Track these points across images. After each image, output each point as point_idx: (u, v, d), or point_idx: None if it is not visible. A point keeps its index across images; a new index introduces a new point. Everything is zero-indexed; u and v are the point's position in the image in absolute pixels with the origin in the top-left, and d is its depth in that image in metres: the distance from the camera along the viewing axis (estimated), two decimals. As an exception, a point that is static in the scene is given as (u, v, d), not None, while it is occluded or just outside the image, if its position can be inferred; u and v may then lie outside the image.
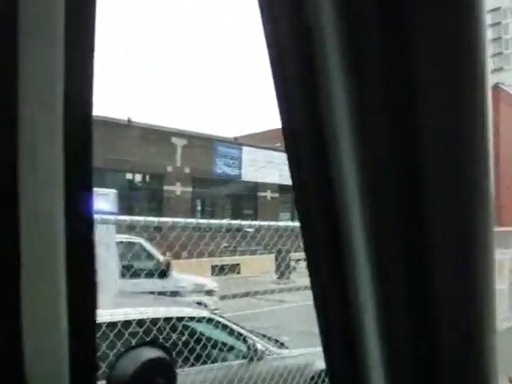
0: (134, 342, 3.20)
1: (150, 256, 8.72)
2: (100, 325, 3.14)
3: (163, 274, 7.46)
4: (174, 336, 3.53)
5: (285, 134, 0.45)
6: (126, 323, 3.31)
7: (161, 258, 8.61)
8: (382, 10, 0.38)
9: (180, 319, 3.71)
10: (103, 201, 9.12)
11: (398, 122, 0.39)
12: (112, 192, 8.48)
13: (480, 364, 0.48)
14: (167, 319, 3.61)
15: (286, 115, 0.45)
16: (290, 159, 0.46)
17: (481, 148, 0.41)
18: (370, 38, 0.38)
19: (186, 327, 3.69)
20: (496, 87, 64.37)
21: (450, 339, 0.45)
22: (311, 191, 0.45)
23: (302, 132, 0.43)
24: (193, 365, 3.51)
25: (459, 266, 0.43)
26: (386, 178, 0.41)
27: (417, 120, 0.39)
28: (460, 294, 0.44)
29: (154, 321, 3.44)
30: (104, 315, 3.27)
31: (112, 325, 3.21)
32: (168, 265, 8.15)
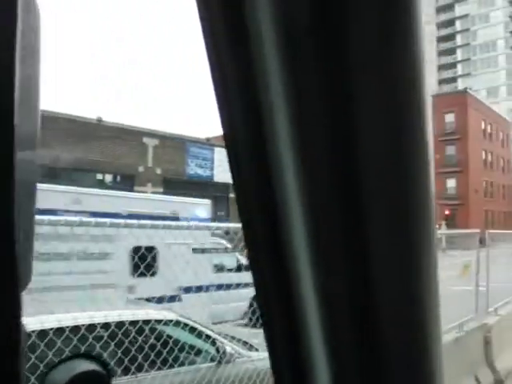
0: (98, 345, 3.14)
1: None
2: (63, 329, 3.07)
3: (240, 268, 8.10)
4: (141, 339, 3.48)
5: (224, 132, 0.45)
6: (91, 326, 3.24)
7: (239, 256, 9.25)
8: (317, 15, 0.38)
9: (147, 322, 3.65)
10: (202, 209, 9.77)
11: (337, 123, 0.40)
12: (208, 202, 9.77)
13: (424, 360, 0.48)
14: (133, 322, 3.54)
15: (224, 115, 0.45)
16: (229, 157, 0.46)
17: (420, 148, 0.42)
18: (307, 41, 0.39)
19: (152, 330, 3.63)
20: (464, 92, 65.77)
21: (392, 335, 0.45)
22: (251, 189, 0.45)
23: (241, 131, 0.44)
24: (160, 368, 3.47)
25: (400, 264, 0.44)
26: (324, 177, 0.41)
27: (354, 120, 0.40)
28: (401, 291, 0.45)
29: (120, 324, 3.38)
30: (68, 318, 3.20)
31: (76, 328, 3.14)
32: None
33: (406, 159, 0.42)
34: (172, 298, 6.55)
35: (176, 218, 8.43)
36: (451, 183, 57.22)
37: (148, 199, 10.05)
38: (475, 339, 7.03)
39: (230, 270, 8.36)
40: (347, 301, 0.44)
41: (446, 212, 51.32)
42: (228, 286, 6.14)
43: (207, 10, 0.42)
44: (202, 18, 0.43)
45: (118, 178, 18.25)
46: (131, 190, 17.62)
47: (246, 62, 0.41)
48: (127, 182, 17.86)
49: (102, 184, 17.67)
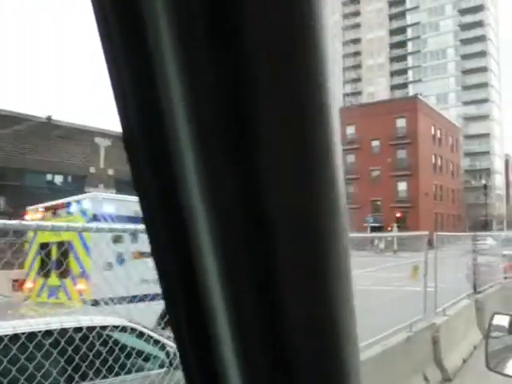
0: (39, 354, 3.00)
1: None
2: (1, 338, 2.93)
3: None
4: (86, 346, 3.35)
5: (123, 132, 0.45)
6: (31, 335, 3.10)
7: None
8: (216, 16, 0.38)
9: (92, 328, 3.53)
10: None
11: (237, 124, 0.40)
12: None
13: (337, 362, 0.48)
14: (77, 329, 3.42)
15: (122, 114, 0.44)
16: (129, 159, 0.45)
17: (330, 153, 0.43)
18: (205, 40, 0.38)
19: (98, 336, 3.51)
20: (415, 98, 67.76)
21: (303, 338, 0.45)
22: (153, 191, 0.45)
23: (139, 131, 0.44)
24: (105, 376, 3.35)
25: (310, 266, 0.44)
26: (227, 182, 0.41)
27: (256, 119, 0.39)
28: (308, 295, 0.44)
29: (63, 331, 3.24)
30: (6, 326, 3.05)
31: (16, 337, 3.00)
32: None
33: (314, 167, 0.42)
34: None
35: None
36: (402, 186, 58.67)
37: None
38: (424, 339, 7.18)
39: None
40: (255, 307, 0.44)
41: (397, 214, 52.58)
42: None
43: (101, 9, 0.41)
44: (96, 12, 0.41)
45: (69, 178, 17.78)
46: (82, 192, 17.20)
47: (144, 57, 0.40)
48: (78, 183, 17.42)
49: (51, 185, 17.19)
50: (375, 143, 60.20)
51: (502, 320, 2.47)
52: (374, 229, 46.89)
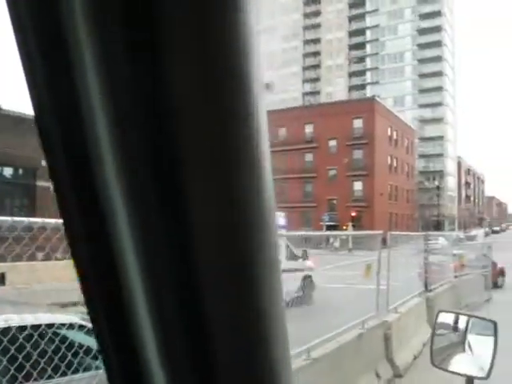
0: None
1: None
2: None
3: None
4: (43, 344, 3.23)
5: (36, 120, 0.43)
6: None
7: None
8: (130, 11, 0.37)
9: (50, 326, 3.41)
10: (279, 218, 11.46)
11: (157, 122, 0.39)
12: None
13: (265, 364, 0.47)
14: (34, 326, 3.29)
15: (36, 106, 0.43)
16: (46, 155, 0.44)
17: (257, 152, 0.43)
18: (120, 34, 0.38)
19: (56, 334, 3.39)
20: (372, 99, 69.01)
21: (225, 341, 0.45)
22: (69, 187, 0.44)
23: (55, 120, 0.42)
24: (51, 377, 3.23)
25: (230, 271, 0.44)
26: (148, 178, 0.40)
27: (177, 116, 0.39)
28: (232, 297, 0.44)
29: (6, 330, 3.11)
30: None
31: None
32: None
33: (238, 166, 0.42)
34: None
35: None
36: (358, 186, 59.66)
37: None
38: (376, 336, 7.30)
39: None
40: (177, 308, 0.43)
41: (353, 214, 53.43)
42: None
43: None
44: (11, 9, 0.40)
45: (20, 171, 17.25)
46: (34, 185, 16.72)
47: (59, 54, 0.40)
48: (29, 175, 16.90)
49: (1, 177, 16.63)
50: (332, 143, 60.93)
51: (447, 318, 2.52)
52: (329, 227, 47.52)
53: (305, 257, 11.97)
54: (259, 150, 0.43)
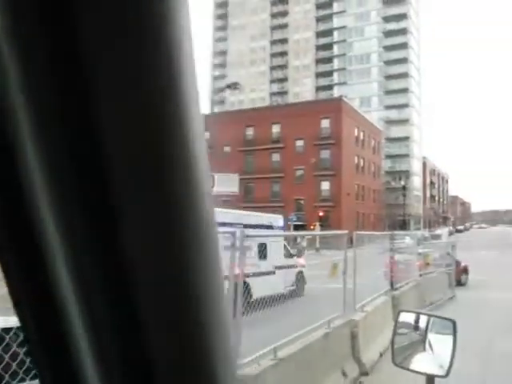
0: None
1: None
2: None
3: None
4: (15, 347, 3.15)
5: None
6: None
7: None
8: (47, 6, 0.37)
9: (7, 330, 3.32)
10: (280, 220, 16.14)
11: (82, 123, 0.38)
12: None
13: (202, 362, 0.46)
14: (5, 329, 3.21)
15: None
16: None
17: (193, 157, 0.42)
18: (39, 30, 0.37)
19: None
20: (339, 100, 69.55)
21: (163, 337, 0.44)
22: None
23: None
24: (24, 379, 3.16)
25: (160, 265, 0.43)
26: (72, 178, 0.39)
27: (100, 114, 0.38)
28: (163, 295, 0.43)
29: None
30: None
31: None
32: None
33: (170, 165, 0.41)
34: None
35: (271, 227, 14.57)
36: (325, 186, 60.09)
37: (256, 216, 15.51)
38: (342, 334, 7.35)
39: None
40: (108, 310, 0.43)
41: (320, 213, 53.80)
42: None
43: None
44: None
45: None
46: None
47: None
48: None
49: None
50: (300, 143, 61.22)
51: (407, 317, 2.55)
52: (297, 227, 47.72)
53: (299, 254, 13.48)
54: (195, 155, 0.42)
